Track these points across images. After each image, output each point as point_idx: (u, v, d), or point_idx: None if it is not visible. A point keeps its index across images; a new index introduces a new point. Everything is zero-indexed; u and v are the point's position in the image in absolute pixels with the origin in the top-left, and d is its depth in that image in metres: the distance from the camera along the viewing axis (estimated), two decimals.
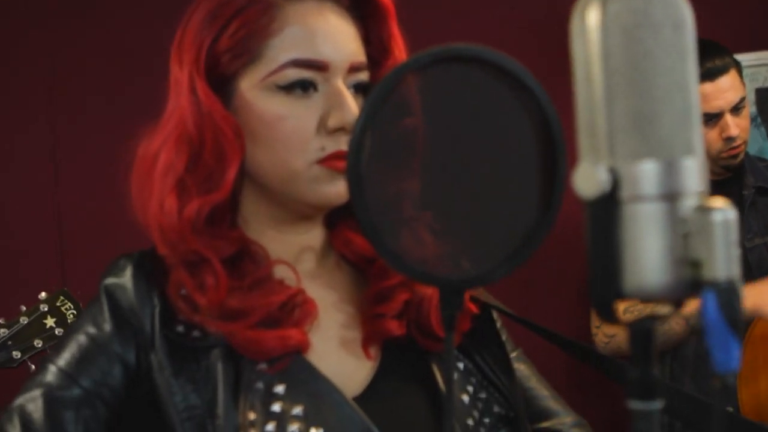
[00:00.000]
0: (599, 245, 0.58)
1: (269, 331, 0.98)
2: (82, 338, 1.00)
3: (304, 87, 0.99)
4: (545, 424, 1.11)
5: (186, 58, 1.01)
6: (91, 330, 1.00)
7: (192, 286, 0.98)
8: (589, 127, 0.59)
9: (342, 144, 0.97)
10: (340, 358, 1.04)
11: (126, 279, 1.01)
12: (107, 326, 0.99)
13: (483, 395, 1.06)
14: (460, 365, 1.07)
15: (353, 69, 1.00)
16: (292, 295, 1.00)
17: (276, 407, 0.96)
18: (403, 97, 0.70)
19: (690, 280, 0.57)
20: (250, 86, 1.00)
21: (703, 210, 0.57)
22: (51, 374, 0.99)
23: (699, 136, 0.59)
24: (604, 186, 0.57)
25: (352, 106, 0.97)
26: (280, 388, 0.97)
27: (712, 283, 0.56)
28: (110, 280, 1.02)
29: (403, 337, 1.04)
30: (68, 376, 0.98)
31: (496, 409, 1.06)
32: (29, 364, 1.77)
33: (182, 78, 1.01)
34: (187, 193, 0.99)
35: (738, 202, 2.28)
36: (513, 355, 1.13)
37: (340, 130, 0.98)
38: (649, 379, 0.60)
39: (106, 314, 1.00)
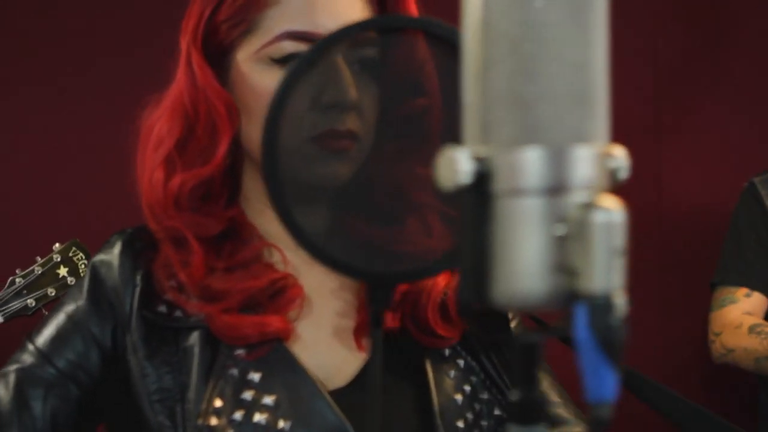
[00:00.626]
0: (468, 244, 0.50)
1: (248, 316, 0.93)
2: (61, 317, 0.98)
3: None
4: None
5: (187, 27, 0.98)
6: (71, 309, 0.98)
7: (176, 263, 0.95)
8: (467, 108, 0.51)
9: (336, 123, 0.91)
10: (331, 347, 0.98)
11: (113, 256, 0.98)
12: (86, 305, 0.97)
13: (485, 396, 0.99)
14: (460, 363, 1.00)
15: (356, 43, 0.93)
16: (276, 279, 0.95)
17: (247, 395, 0.91)
18: (327, 70, 0.64)
19: (566, 291, 0.48)
20: (245, 58, 0.95)
21: (586, 208, 0.48)
22: (28, 352, 0.98)
23: (602, 121, 0.50)
24: (465, 177, 0.48)
25: (348, 82, 0.90)
26: (255, 376, 0.93)
27: (586, 296, 0.47)
28: (99, 257, 1.00)
29: (399, 330, 0.98)
30: (44, 356, 0.96)
31: (497, 412, 0.98)
32: (43, 311, 1.81)
33: (182, 49, 0.98)
34: (174, 168, 0.95)
35: None
36: None
37: (333, 107, 0.91)
38: (531, 402, 0.51)
39: (86, 293, 0.98)
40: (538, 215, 0.49)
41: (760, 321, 2.07)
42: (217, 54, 0.97)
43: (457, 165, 0.48)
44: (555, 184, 0.49)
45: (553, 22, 0.49)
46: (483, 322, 0.51)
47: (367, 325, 0.97)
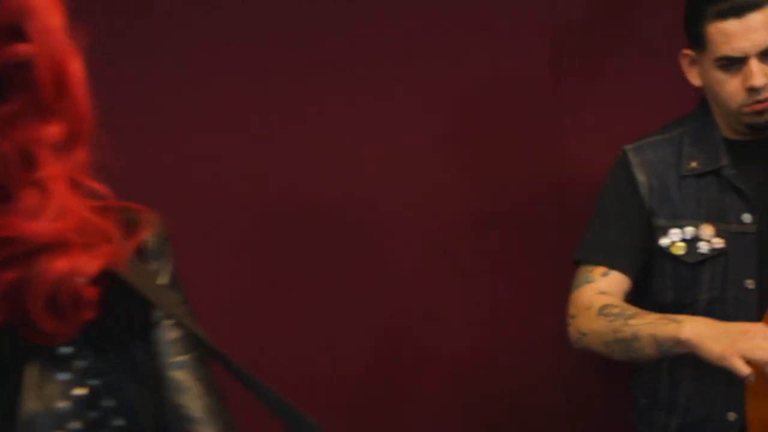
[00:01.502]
0: None
1: None
2: None
3: None
4: None
5: None
6: None
7: None
8: None
9: None
10: None
11: None
12: None
13: (109, 403, 0.89)
14: (80, 363, 0.89)
15: None
16: None
17: None
18: None
19: None
20: None
21: None
22: None
23: None
24: None
25: None
26: None
27: None
28: None
29: (5, 324, 0.85)
30: None
31: (118, 422, 0.89)
32: None
33: None
34: None
35: None
36: (176, 359, 0.95)
37: None
38: None
39: None
40: None
41: (612, 301, 1.94)
42: None
43: None
44: None
45: None
46: None
47: None
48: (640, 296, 2.05)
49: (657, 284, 2.05)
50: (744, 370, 1.69)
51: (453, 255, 2.35)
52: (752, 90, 1.91)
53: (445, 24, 2.31)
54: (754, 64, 1.89)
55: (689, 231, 2.00)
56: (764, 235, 1.98)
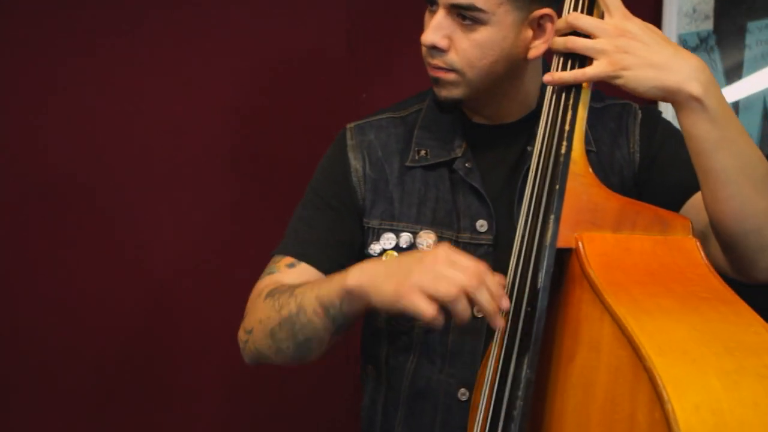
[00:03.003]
0: None
1: None
2: None
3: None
4: None
5: None
6: None
7: None
8: None
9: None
10: None
11: None
12: None
13: None
14: None
15: None
16: None
17: None
18: None
19: None
20: None
21: None
22: None
23: None
24: None
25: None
26: None
27: None
28: None
29: None
30: None
31: None
32: None
33: None
34: None
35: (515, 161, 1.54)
36: None
37: None
38: None
39: None
40: None
41: (286, 282, 1.49)
42: None
43: None
44: None
45: None
46: None
47: None
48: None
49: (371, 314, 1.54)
50: (427, 310, 1.19)
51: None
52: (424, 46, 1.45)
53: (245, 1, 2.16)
54: (439, 15, 1.42)
55: (405, 238, 1.52)
56: (501, 248, 1.46)
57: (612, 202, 1.21)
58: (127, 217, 2.12)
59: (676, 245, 1.22)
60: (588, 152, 1.36)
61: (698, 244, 1.23)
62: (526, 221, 1.23)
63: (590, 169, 1.22)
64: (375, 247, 1.53)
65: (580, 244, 1.17)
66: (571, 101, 1.23)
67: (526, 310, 1.19)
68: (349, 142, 1.58)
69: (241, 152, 2.17)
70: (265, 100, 2.17)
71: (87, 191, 2.09)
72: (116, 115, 2.09)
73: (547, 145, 1.24)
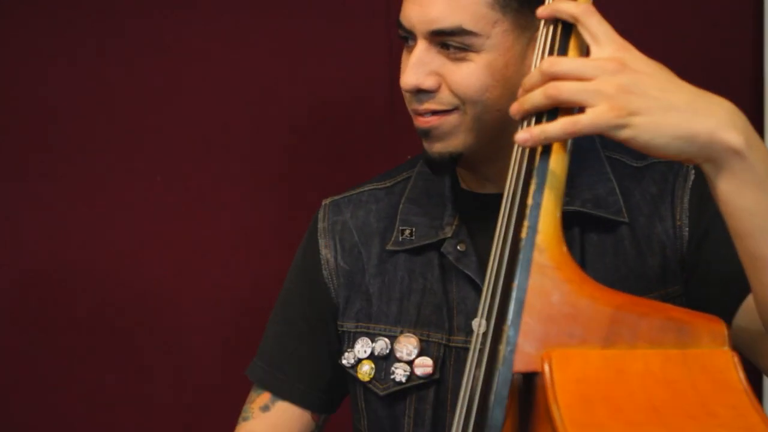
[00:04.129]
0: None
1: None
2: None
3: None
4: None
5: None
6: None
7: None
8: None
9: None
10: None
11: None
12: None
13: None
14: None
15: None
16: None
17: None
18: None
19: None
20: None
21: None
22: None
23: None
24: None
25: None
26: None
27: None
28: None
29: None
30: None
31: None
32: None
33: None
34: None
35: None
36: None
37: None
38: None
39: None
40: None
41: None
42: None
43: None
44: None
45: None
46: None
47: None
48: None
49: (355, 425, 1.29)
50: None
51: None
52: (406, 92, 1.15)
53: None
54: (419, 49, 1.12)
55: (381, 344, 1.22)
56: None
57: (601, 303, 0.86)
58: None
59: (699, 362, 0.85)
60: (618, 224, 1.10)
61: (736, 359, 0.86)
62: (484, 334, 0.88)
63: (570, 259, 0.87)
64: (348, 357, 1.24)
65: (547, 368, 0.82)
66: (536, 164, 0.88)
67: None
68: (320, 225, 1.30)
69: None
70: (303, 149, 1.92)
71: None
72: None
73: (505, 225, 0.89)
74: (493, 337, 0.85)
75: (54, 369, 1.90)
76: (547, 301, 0.84)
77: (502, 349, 0.83)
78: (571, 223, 1.15)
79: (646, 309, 0.86)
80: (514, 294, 0.84)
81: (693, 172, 1.17)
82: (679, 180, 1.17)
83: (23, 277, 1.90)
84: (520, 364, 0.83)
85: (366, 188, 1.31)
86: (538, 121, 0.89)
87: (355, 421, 1.28)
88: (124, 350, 1.90)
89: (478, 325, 0.88)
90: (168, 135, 1.89)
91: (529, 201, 0.86)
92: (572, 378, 0.82)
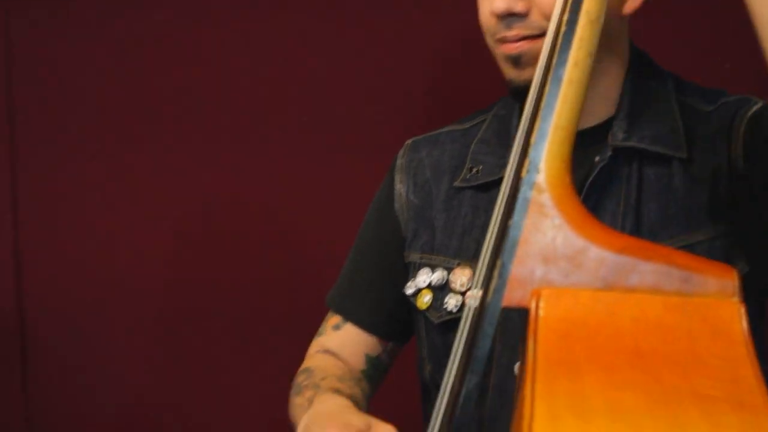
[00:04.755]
0: None
1: None
2: None
3: None
4: None
5: None
6: None
7: None
8: None
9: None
10: None
11: None
12: None
13: None
14: None
15: None
16: None
17: None
18: None
19: None
20: None
21: None
22: None
23: None
24: None
25: None
26: None
27: None
28: None
29: None
30: None
31: None
32: None
33: None
34: None
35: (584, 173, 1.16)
36: None
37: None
38: None
39: None
40: None
41: (313, 364, 1.31)
42: None
43: None
44: None
45: None
46: None
47: None
48: None
49: (419, 353, 1.33)
50: None
51: None
52: (495, 15, 1.14)
53: None
54: None
55: (438, 275, 1.26)
56: None
57: (603, 245, 0.85)
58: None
59: (700, 311, 0.83)
60: (673, 161, 1.10)
61: (743, 310, 0.83)
62: (481, 270, 0.90)
63: (575, 199, 0.87)
64: (410, 286, 1.29)
65: (533, 304, 0.83)
66: (547, 88, 0.88)
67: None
68: (398, 161, 1.36)
69: None
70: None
71: None
72: None
73: (514, 160, 0.91)
74: (486, 271, 0.87)
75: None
76: (543, 240, 0.85)
77: (494, 283, 0.85)
78: (631, 159, 1.14)
79: (651, 253, 0.85)
80: (510, 231, 0.85)
81: (757, 106, 1.12)
82: (740, 113, 1.13)
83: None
84: (510, 299, 0.85)
85: (445, 129, 1.36)
86: None
87: (419, 349, 1.33)
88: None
89: (482, 257, 0.90)
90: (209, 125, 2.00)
91: (533, 138, 0.87)
92: (558, 316, 0.82)
